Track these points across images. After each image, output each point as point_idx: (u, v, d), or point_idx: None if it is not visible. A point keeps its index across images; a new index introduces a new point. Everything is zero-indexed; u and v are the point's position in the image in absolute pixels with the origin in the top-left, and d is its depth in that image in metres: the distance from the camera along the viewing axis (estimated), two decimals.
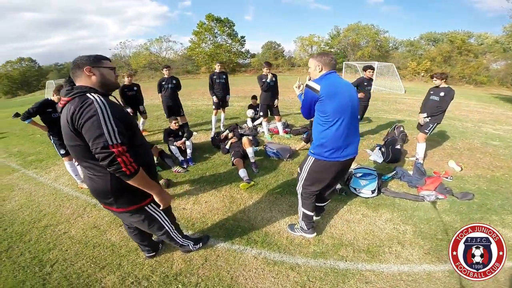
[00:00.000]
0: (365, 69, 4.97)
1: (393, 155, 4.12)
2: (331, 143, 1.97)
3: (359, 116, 5.07)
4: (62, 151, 3.50)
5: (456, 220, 2.74)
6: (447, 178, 3.66)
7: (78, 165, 3.05)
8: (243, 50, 37.17)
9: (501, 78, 25.67)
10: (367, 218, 2.75)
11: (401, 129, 5.19)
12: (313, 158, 2.09)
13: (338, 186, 3.25)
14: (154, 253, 2.26)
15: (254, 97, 6.99)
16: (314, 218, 2.65)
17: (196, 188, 3.53)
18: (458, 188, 3.42)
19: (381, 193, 3.19)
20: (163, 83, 5.62)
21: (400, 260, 2.19)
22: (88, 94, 1.32)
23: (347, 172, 2.24)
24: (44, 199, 3.52)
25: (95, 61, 1.43)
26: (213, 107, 5.82)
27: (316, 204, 2.52)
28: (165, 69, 5.66)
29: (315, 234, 2.41)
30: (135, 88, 5.84)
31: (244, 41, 36.36)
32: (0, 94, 40.11)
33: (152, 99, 13.01)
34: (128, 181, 1.40)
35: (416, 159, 4.17)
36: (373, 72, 4.94)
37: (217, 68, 5.63)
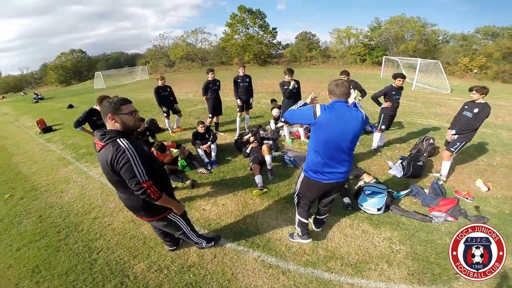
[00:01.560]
0: (394, 77, 4.71)
1: (414, 170, 4.05)
2: (312, 165, 2.21)
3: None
4: None
5: None
6: (467, 199, 3.54)
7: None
8: (274, 41, 36.96)
9: None
10: (366, 234, 2.89)
11: (431, 141, 4.94)
12: (303, 174, 2.34)
13: (347, 200, 3.38)
14: (175, 247, 2.73)
15: (273, 101, 7.17)
16: (314, 228, 2.87)
17: (216, 190, 3.92)
18: (476, 211, 3.32)
19: (389, 210, 3.25)
20: (210, 85, 5.92)
21: (381, 278, 2.35)
22: (118, 141, 1.69)
23: (335, 193, 2.41)
24: (93, 192, 4.10)
25: (116, 109, 1.74)
26: (238, 109, 6.09)
27: (316, 216, 2.75)
28: (210, 73, 5.89)
29: (310, 240, 2.68)
30: (168, 89, 6.36)
31: (276, 32, 36.22)
32: (56, 83, 45.11)
33: (187, 92, 13.74)
34: (155, 203, 1.87)
35: (440, 175, 4.06)
36: (403, 81, 4.65)
37: (240, 71, 5.81)
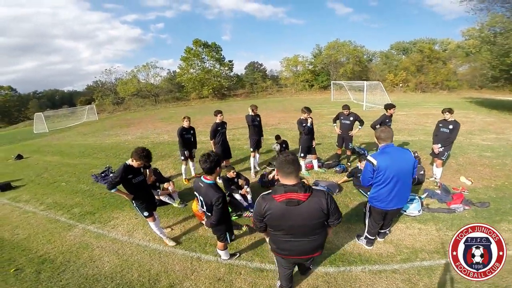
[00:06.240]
0: (389, 107, 5.73)
1: (419, 180, 5.21)
2: (379, 196, 2.95)
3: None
4: (146, 213, 3.62)
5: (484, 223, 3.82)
6: (464, 192, 4.80)
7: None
8: (231, 74, 37.95)
9: (469, 81, 28.48)
10: (422, 230, 3.78)
11: (416, 154, 6.26)
12: (369, 205, 3.16)
13: None
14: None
15: (278, 137, 7.20)
16: (378, 239, 3.60)
17: None
18: (475, 199, 4.54)
19: (423, 211, 4.24)
20: (219, 128, 5.74)
21: None
22: (314, 187, 2.09)
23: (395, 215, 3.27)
24: (139, 257, 3.64)
25: None
26: (251, 149, 6.18)
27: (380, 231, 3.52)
28: (219, 115, 5.71)
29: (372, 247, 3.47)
30: (191, 131, 6.02)
31: (232, 65, 37.25)
32: None
33: (159, 134, 13.18)
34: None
35: (435, 179, 5.32)
36: (394, 110, 5.72)
37: (252, 111, 5.83)
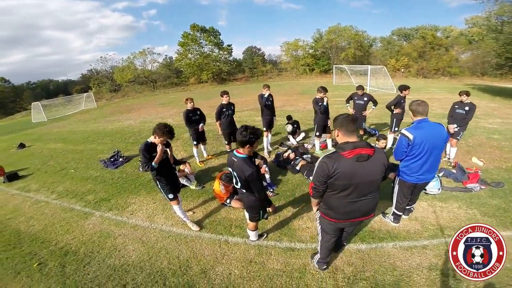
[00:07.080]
0: (405, 89, 5.76)
1: None
2: (410, 170, 2.98)
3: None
4: (171, 196, 3.51)
5: (501, 202, 3.94)
6: (477, 172, 4.88)
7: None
8: (231, 58, 37.46)
9: (470, 68, 28.41)
10: (443, 208, 3.88)
11: None
12: (398, 179, 3.18)
13: None
14: (326, 266, 2.89)
15: (289, 118, 7.52)
16: (404, 216, 3.67)
17: (302, 207, 4.07)
18: (489, 179, 4.62)
19: (442, 189, 4.32)
20: (224, 109, 5.68)
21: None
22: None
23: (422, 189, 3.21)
24: (165, 244, 3.55)
25: None
26: (264, 129, 6.12)
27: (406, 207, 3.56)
28: (225, 95, 5.64)
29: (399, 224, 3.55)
30: (198, 112, 5.85)
31: (231, 49, 36.63)
32: None
33: (163, 118, 12.98)
34: None
35: (448, 159, 5.39)
36: (409, 91, 5.76)
37: (266, 91, 5.80)
